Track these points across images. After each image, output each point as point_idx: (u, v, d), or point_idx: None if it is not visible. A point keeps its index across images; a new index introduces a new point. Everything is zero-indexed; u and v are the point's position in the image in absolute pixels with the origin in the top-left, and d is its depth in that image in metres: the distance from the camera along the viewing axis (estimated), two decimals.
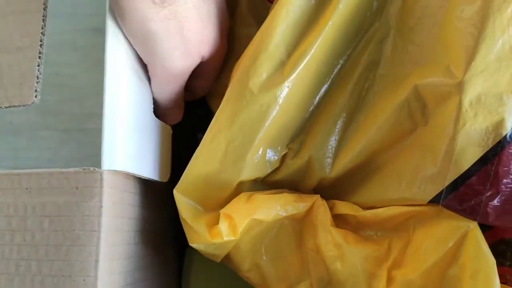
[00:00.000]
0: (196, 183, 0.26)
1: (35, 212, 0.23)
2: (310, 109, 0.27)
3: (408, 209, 0.25)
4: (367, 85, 0.26)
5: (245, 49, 0.26)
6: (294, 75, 0.24)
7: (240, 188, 0.27)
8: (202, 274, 0.33)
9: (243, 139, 0.25)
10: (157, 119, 0.28)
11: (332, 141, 0.27)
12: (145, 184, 0.28)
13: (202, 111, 0.35)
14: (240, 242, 0.26)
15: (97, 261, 0.22)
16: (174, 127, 0.35)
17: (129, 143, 0.24)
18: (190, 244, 0.26)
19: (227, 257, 0.28)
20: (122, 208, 0.25)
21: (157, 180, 0.28)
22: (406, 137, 0.25)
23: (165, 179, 0.29)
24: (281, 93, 0.24)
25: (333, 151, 0.27)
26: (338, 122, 0.27)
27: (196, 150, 0.26)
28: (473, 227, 0.23)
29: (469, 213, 0.23)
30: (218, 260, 0.28)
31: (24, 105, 0.24)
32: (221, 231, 0.25)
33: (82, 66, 0.24)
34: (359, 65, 0.26)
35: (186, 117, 0.36)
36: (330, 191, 0.28)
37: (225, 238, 0.25)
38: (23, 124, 0.24)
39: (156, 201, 0.30)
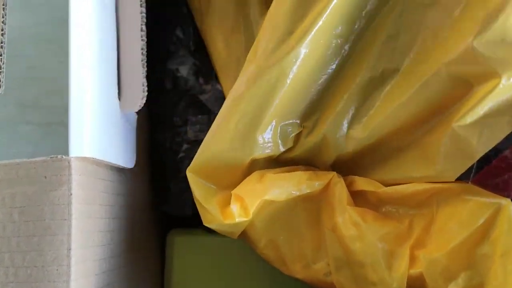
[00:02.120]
0: (208, 162, 0.26)
1: (4, 204, 0.23)
2: (323, 84, 0.26)
3: (432, 185, 0.24)
4: (386, 60, 0.25)
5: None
6: (302, 46, 0.23)
7: (253, 166, 0.26)
8: (184, 259, 0.33)
9: (251, 116, 0.25)
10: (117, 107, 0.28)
11: (348, 118, 0.26)
12: (118, 171, 0.28)
13: (175, 97, 0.35)
14: (255, 220, 0.26)
15: (69, 249, 0.22)
16: (150, 111, 0.35)
17: (96, 130, 0.24)
18: (205, 224, 0.26)
19: (243, 233, 0.27)
20: (94, 195, 0.25)
21: (125, 167, 0.28)
22: (436, 116, 0.24)
23: (131, 165, 0.29)
24: (288, 66, 0.24)
25: (349, 128, 0.26)
26: (355, 98, 0.26)
27: (209, 131, 0.26)
28: (506, 204, 0.22)
29: (501, 189, 0.22)
30: (235, 237, 0.27)
31: None
32: (233, 212, 0.25)
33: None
34: (376, 39, 0.25)
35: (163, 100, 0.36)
36: (348, 167, 0.27)
37: (237, 219, 0.24)
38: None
39: (131, 187, 0.30)
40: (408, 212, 0.25)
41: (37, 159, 0.23)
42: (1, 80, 0.24)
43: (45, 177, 0.23)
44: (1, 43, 0.25)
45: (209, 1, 0.32)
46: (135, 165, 0.29)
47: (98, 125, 0.25)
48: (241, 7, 0.30)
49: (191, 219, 0.34)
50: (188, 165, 0.34)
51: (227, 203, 0.25)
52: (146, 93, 0.27)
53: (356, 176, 0.26)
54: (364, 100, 0.25)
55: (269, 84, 0.24)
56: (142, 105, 0.27)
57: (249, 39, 0.30)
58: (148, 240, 0.33)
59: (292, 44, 0.23)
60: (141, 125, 0.32)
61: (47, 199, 0.23)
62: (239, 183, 0.26)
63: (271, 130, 0.25)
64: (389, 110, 0.24)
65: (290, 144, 0.26)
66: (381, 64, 0.25)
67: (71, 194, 0.22)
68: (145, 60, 0.28)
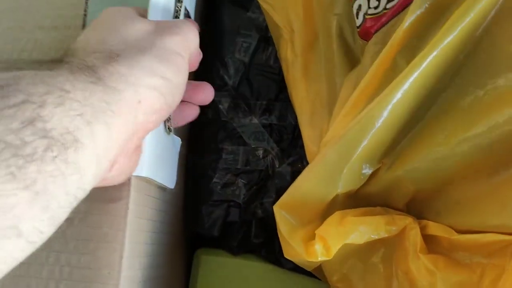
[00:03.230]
0: (296, 198, 0.28)
1: None
2: (407, 127, 0.27)
3: (508, 237, 0.24)
4: (476, 105, 0.24)
5: (345, 95, 0.29)
6: (392, 99, 0.25)
7: (334, 201, 0.28)
8: (208, 278, 0.35)
9: (341, 156, 0.27)
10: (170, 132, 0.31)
11: (426, 157, 0.26)
12: (162, 190, 0.31)
13: (215, 126, 0.38)
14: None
15: (121, 257, 0.25)
16: (190, 136, 0.38)
17: (152, 153, 0.27)
18: (286, 256, 0.28)
19: (318, 266, 0.29)
20: (144, 210, 0.27)
21: (168, 187, 0.31)
22: None
23: (173, 186, 0.31)
24: (377, 114, 0.25)
25: (429, 170, 0.26)
26: (440, 140, 0.26)
27: (303, 171, 0.28)
28: None
29: None
30: (310, 269, 0.29)
31: None
32: (316, 251, 0.26)
33: None
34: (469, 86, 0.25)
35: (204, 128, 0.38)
36: (423, 207, 0.28)
37: (319, 258, 0.26)
38: None
39: (170, 205, 0.33)
40: (480, 261, 0.25)
41: None
42: None
43: (107, 190, 0.26)
44: None
45: (296, 54, 0.34)
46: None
47: (154, 148, 0.27)
48: (326, 65, 0.32)
49: (217, 240, 0.37)
50: (220, 190, 0.37)
51: (308, 239, 0.27)
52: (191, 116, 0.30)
53: (430, 222, 0.27)
54: (445, 141, 0.25)
55: (359, 129, 0.26)
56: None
57: (331, 92, 0.32)
58: (177, 257, 0.35)
59: (383, 96, 0.25)
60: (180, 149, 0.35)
61: (107, 209, 0.25)
62: (320, 218, 0.28)
63: (355, 168, 0.27)
64: (466, 152, 0.25)
65: (368, 180, 0.28)
66: (466, 115, 0.25)
67: (128, 208, 0.25)
68: None
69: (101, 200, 0.25)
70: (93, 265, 0.25)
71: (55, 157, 0.17)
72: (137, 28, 0.24)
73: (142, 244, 0.27)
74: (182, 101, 0.27)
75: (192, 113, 0.31)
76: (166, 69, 0.23)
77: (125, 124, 0.21)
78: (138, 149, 0.25)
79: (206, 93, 0.32)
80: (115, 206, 0.25)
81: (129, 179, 0.26)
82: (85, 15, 0.32)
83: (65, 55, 0.21)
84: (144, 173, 0.26)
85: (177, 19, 0.29)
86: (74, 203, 0.19)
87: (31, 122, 0.16)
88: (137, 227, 0.26)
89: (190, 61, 0.26)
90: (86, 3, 0.32)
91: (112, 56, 0.22)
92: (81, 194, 0.19)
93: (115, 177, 0.23)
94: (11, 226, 0.16)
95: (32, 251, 0.17)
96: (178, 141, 0.32)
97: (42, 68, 0.19)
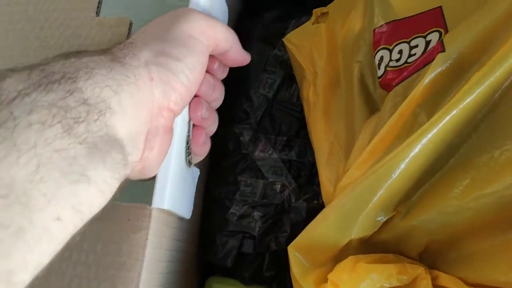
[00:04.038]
0: (311, 241, 0.29)
1: (92, 236, 0.27)
2: (423, 178, 0.27)
3: None
4: (492, 163, 0.25)
5: (363, 140, 0.30)
6: (411, 151, 0.25)
7: (347, 246, 0.28)
8: None
9: (358, 203, 0.27)
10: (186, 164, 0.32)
11: (442, 213, 0.27)
12: (179, 219, 0.32)
13: (235, 157, 0.39)
14: None
15: (137, 286, 0.26)
16: (210, 166, 0.39)
17: (174, 185, 0.28)
18: None
19: None
20: (162, 241, 0.28)
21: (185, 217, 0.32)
22: None
23: (189, 216, 0.32)
24: (396, 164, 0.26)
25: (443, 222, 0.27)
26: (455, 194, 0.26)
27: (319, 213, 0.29)
28: None
29: None
30: None
31: None
32: None
33: None
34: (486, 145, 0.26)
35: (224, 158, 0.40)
36: (435, 258, 0.28)
37: None
38: None
39: (187, 234, 0.34)
40: None
41: (124, 203, 0.27)
42: None
43: (129, 219, 0.27)
44: None
45: (318, 95, 0.35)
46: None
47: (175, 180, 0.29)
48: (346, 108, 0.34)
49: (230, 270, 0.38)
50: (236, 221, 0.38)
51: (320, 282, 0.27)
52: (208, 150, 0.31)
53: (442, 273, 0.27)
54: (460, 195, 0.26)
55: (376, 179, 0.26)
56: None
57: (349, 135, 0.33)
58: (190, 284, 0.36)
59: (402, 148, 0.26)
60: (200, 177, 0.36)
61: (127, 239, 0.27)
62: (332, 261, 0.28)
63: (370, 215, 0.28)
64: (481, 208, 0.25)
65: (382, 226, 0.29)
66: (482, 172, 0.25)
67: (147, 239, 0.26)
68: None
69: (123, 229, 0.27)
70: None
71: (96, 119, 0.20)
72: (159, 19, 0.27)
73: (158, 274, 0.28)
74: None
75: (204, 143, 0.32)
76: (177, 51, 0.25)
77: (145, 96, 0.24)
78: (169, 131, 0.27)
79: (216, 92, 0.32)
80: (135, 236, 0.26)
81: (150, 210, 0.27)
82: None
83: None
84: (165, 206, 0.27)
85: None
86: (126, 162, 0.22)
87: (71, 92, 0.20)
88: (154, 257, 0.27)
89: (220, 51, 0.29)
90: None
91: (126, 43, 0.25)
92: (128, 153, 0.22)
93: (150, 160, 0.25)
94: (79, 172, 0.19)
95: (104, 202, 0.21)
96: (196, 172, 0.34)
97: (68, 57, 0.22)
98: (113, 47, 0.25)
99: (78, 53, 0.23)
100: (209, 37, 0.27)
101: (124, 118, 0.22)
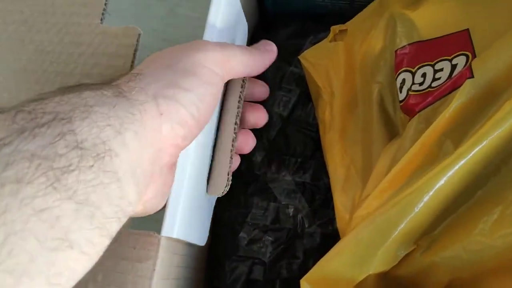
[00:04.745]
0: (324, 274, 0.27)
1: None
2: (451, 213, 0.26)
3: None
4: None
5: (382, 167, 0.28)
6: (434, 184, 0.24)
7: (364, 282, 0.27)
8: None
9: (377, 237, 0.26)
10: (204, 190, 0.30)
11: (467, 250, 0.25)
12: (190, 246, 0.30)
13: (247, 178, 0.38)
14: None
15: None
16: None
17: (186, 214, 0.27)
18: None
19: None
20: (170, 271, 0.27)
21: (199, 244, 0.30)
22: None
23: (204, 243, 0.31)
24: (417, 198, 0.24)
25: (467, 260, 0.25)
26: (482, 230, 0.24)
27: (334, 246, 0.27)
28: None
29: None
30: None
31: None
32: None
33: None
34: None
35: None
36: None
37: None
38: None
39: (195, 260, 0.32)
40: None
41: (130, 230, 0.26)
42: None
43: (134, 248, 0.26)
44: None
45: (334, 116, 0.34)
46: None
47: (188, 208, 0.27)
48: (364, 131, 0.32)
49: None
50: (246, 246, 0.36)
51: None
52: (230, 182, 0.30)
53: None
54: (487, 232, 0.24)
55: (397, 212, 0.25)
56: (226, 192, 0.30)
57: (366, 159, 0.31)
58: None
59: (426, 179, 0.24)
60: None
61: (132, 268, 0.25)
62: None
63: (390, 250, 0.26)
64: (508, 246, 0.24)
65: (401, 261, 0.27)
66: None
67: (154, 270, 0.25)
68: (234, 151, 0.30)
69: (128, 258, 0.25)
70: None
71: (92, 166, 0.18)
72: (171, 49, 0.25)
73: None
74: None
75: (247, 142, 0.32)
76: (188, 81, 0.23)
77: (152, 134, 0.21)
78: (173, 167, 0.25)
79: (257, 115, 0.32)
80: (141, 266, 0.25)
81: (158, 239, 0.25)
82: (132, 66, 0.32)
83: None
84: (175, 235, 0.26)
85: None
86: (121, 215, 0.19)
87: (62, 136, 0.17)
88: None
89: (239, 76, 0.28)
90: (134, 55, 0.32)
91: (133, 75, 0.23)
92: (126, 205, 0.20)
93: (152, 199, 0.24)
94: (60, 238, 0.16)
95: (90, 264, 0.18)
96: (214, 196, 0.32)
97: (66, 92, 0.20)
98: (118, 77, 0.23)
99: (79, 86, 0.20)
100: (225, 67, 0.25)
101: (127, 162, 0.19)
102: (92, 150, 0.18)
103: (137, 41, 0.30)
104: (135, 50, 0.30)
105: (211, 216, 0.32)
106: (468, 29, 0.27)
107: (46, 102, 0.19)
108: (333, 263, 0.27)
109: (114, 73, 0.30)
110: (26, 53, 0.32)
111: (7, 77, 0.31)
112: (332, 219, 0.35)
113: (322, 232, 0.35)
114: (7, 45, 0.32)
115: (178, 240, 0.28)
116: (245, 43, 0.37)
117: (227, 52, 0.26)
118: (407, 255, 0.27)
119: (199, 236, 0.30)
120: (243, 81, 0.31)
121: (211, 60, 0.25)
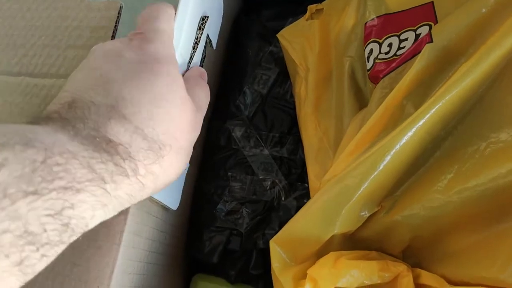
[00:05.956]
0: (293, 235, 0.28)
1: None
2: (408, 172, 0.27)
3: None
4: (477, 156, 0.25)
5: (350, 135, 0.29)
6: (395, 144, 0.25)
7: (330, 242, 0.28)
8: None
9: (342, 197, 0.27)
10: None
11: (426, 207, 0.26)
12: (165, 210, 0.31)
13: (226, 153, 0.39)
14: None
15: (111, 272, 0.25)
16: (202, 160, 0.39)
17: None
18: None
19: None
20: (143, 228, 0.28)
21: (171, 208, 0.31)
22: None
23: (175, 207, 0.32)
24: (379, 158, 0.25)
25: (426, 217, 0.26)
26: (439, 188, 0.26)
27: (302, 207, 0.29)
28: None
29: None
30: None
31: None
32: None
33: None
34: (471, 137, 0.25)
35: (215, 153, 0.39)
36: (418, 256, 0.28)
37: None
38: None
39: (172, 227, 0.33)
40: None
41: None
42: None
43: None
44: None
45: (309, 91, 0.35)
46: (177, 208, 0.33)
47: None
48: (336, 104, 0.33)
49: (216, 267, 0.37)
50: (224, 217, 0.37)
51: (300, 278, 0.27)
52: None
53: (423, 271, 0.27)
54: (444, 189, 0.25)
55: (360, 172, 0.26)
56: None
57: (338, 131, 0.32)
58: (174, 280, 0.36)
59: (387, 140, 0.25)
60: (190, 171, 0.35)
61: (104, 222, 0.26)
62: (314, 257, 0.27)
63: (354, 210, 0.27)
64: (465, 202, 0.25)
65: (365, 222, 0.28)
66: (467, 165, 0.25)
67: (125, 224, 0.26)
68: None
69: None
70: (84, 277, 0.25)
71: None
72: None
73: (137, 262, 0.28)
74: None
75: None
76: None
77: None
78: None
79: None
80: (113, 220, 0.26)
81: None
82: (113, 36, 0.34)
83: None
84: None
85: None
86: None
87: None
88: (133, 244, 0.27)
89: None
90: (116, 26, 0.34)
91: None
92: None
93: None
94: None
95: None
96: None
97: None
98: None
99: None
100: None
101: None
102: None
103: (119, 13, 0.31)
104: (117, 22, 0.31)
105: (183, 183, 0.32)
106: (432, 2, 0.28)
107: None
108: (300, 223, 0.28)
109: (96, 43, 0.32)
110: (17, 28, 0.33)
111: None
112: (308, 192, 0.36)
113: (298, 205, 0.36)
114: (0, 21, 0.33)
115: (151, 200, 0.29)
116: (220, 22, 0.38)
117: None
118: (371, 217, 0.28)
119: (172, 199, 0.31)
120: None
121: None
